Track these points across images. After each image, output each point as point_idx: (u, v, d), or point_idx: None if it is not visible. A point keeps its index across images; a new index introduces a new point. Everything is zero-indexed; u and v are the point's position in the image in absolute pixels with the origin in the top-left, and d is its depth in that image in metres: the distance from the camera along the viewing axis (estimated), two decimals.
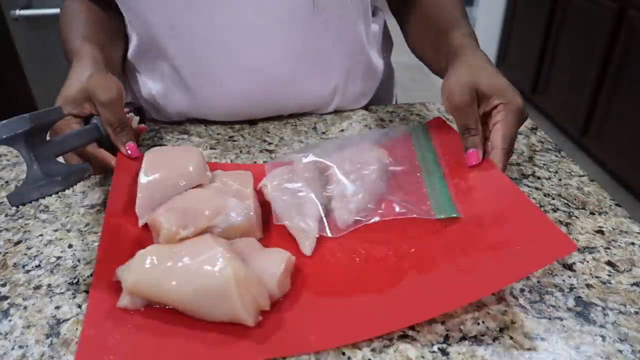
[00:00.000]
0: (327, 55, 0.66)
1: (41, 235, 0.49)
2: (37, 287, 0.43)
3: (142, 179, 0.47)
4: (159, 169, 0.48)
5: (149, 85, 0.70)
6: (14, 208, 0.53)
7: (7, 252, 0.47)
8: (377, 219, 0.47)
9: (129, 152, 0.52)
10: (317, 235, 0.46)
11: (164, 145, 0.65)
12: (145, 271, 0.38)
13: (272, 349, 0.36)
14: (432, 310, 0.37)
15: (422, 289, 0.39)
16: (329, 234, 0.46)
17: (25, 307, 0.41)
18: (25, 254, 0.47)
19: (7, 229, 0.50)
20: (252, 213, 0.46)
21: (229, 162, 0.61)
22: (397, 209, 0.47)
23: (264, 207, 0.49)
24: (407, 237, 0.45)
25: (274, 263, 0.40)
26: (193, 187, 0.48)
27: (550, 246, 0.38)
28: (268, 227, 0.48)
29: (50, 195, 0.47)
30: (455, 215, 0.46)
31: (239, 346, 0.36)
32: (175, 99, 0.69)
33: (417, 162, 0.54)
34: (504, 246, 0.40)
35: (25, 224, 0.51)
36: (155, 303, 0.39)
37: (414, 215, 0.46)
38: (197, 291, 0.37)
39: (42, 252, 0.47)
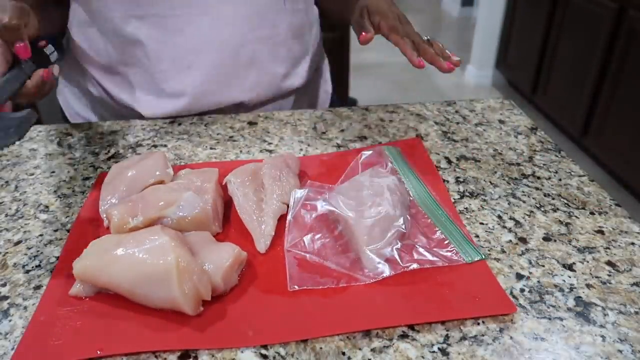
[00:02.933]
0: (281, 43, 0.73)
1: (41, 235, 0.49)
2: (37, 287, 0.43)
3: (105, 180, 0.53)
4: (122, 171, 0.52)
5: (118, 91, 0.73)
6: (14, 208, 0.53)
7: (7, 252, 0.47)
8: (415, 266, 0.43)
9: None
10: (273, 234, 0.47)
11: (164, 145, 0.65)
12: (93, 258, 0.40)
13: (209, 339, 0.37)
14: (368, 323, 0.38)
15: (364, 301, 0.40)
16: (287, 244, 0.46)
17: (25, 307, 0.41)
18: (25, 254, 0.47)
19: (7, 229, 0.50)
20: (208, 207, 0.47)
21: (228, 162, 0.61)
22: (429, 256, 0.44)
23: (231, 203, 0.51)
24: None
25: (222, 257, 0.41)
26: (154, 184, 0.50)
27: (492, 302, 0.40)
28: (229, 222, 0.50)
29: (7, 147, 0.49)
30: (480, 258, 0.44)
31: (177, 333, 0.38)
32: (146, 97, 0.72)
33: (410, 193, 0.52)
34: (449, 287, 0.41)
35: (25, 224, 0.51)
36: (104, 289, 0.41)
37: (447, 264, 0.44)
38: (139, 277, 0.38)
39: (42, 252, 0.47)
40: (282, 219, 0.49)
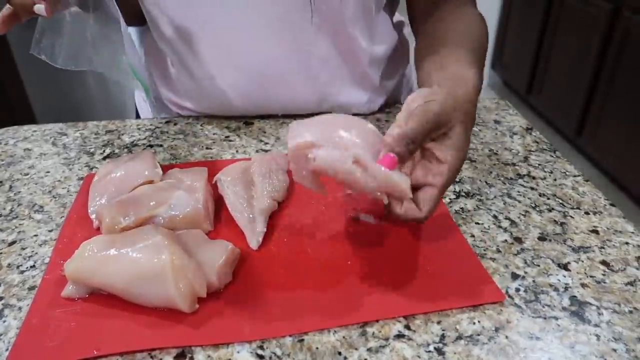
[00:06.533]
0: (318, 59, 0.66)
1: (36, 235, 0.49)
2: (32, 288, 0.43)
3: (94, 180, 0.53)
4: (110, 171, 0.53)
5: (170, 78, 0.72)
6: (8, 208, 0.53)
7: (1, 253, 0.47)
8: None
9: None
10: (264, 230, 0.47)
11: (159, 145, 0.65)
12: (85, 258, 0.40)
13: (206, 335, 0.37)
14: (362, 316, 0.39)
15: (359, 295, 0.41)
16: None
17: (19, 308, 0.41)
18: (20, 255, 0.46)
19: (1, 229, 0.50)
20: (199, 205, 0.47)
21: (217, 161, 0.61)
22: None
23: (221, 202, 0.51)
24: (354, 245, 0.46)
25: (215, 254, 0.41)
26: (143, 184, 0.50)
27: (481, 291, 0.41)
28: (220, 221, 0.50)
29: None
30: None
31: (173, 330, 0.38)
32: (184, 90, 0.71)
33: None
34: (439, 278, 0.42)
35: (20, 224, 0.51)
36: (97, 290, 0.41)
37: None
38: (134, 276, 0.38)
39: (36, 253, 0.47)
40: (273, 215, 0.50)
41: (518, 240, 0.47)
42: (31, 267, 0.45)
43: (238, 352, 0.37)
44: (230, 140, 0.66)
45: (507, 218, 0.50)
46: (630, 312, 0.40)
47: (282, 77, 0.66)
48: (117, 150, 0.64)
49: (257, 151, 0.63)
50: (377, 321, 0.39)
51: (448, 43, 0.52)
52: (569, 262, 0.45)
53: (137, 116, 0.85)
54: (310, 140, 0.38)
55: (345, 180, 0.37)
